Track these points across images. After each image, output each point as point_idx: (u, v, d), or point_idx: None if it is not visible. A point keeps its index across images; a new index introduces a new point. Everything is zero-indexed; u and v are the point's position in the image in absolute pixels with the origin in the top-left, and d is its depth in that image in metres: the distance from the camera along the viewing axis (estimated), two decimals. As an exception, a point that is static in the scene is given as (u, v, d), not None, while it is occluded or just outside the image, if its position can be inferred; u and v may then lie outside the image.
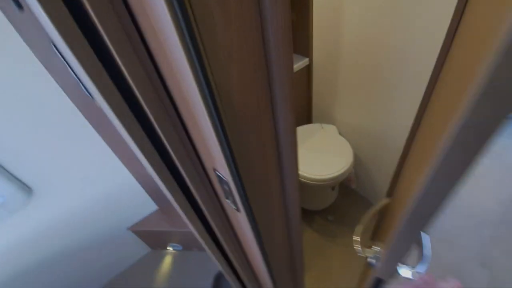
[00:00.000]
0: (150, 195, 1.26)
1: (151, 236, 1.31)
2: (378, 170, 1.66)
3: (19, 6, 0.46)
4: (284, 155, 0.40)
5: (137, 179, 1.17)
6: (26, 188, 0.92)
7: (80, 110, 0.90)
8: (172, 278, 1.30)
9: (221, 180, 0.37)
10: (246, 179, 0.35)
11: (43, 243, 1.07)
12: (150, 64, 0.27)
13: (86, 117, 0.92)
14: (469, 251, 1.49)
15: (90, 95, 0.31)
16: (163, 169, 0.36)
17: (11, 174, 0.87)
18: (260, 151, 0.36)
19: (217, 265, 0.59)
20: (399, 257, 0.49)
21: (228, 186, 0.36)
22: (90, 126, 0.94)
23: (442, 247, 1.52)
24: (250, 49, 0.26)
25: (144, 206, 1.31)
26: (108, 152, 1.03)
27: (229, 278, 0.63)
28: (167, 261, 1.38)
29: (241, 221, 0.44)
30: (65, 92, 0.84)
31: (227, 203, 0.43)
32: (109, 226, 1.25)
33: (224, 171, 0.33)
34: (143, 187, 1.21)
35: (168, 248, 1.48)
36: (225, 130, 0.27)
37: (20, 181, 0.90)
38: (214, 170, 0.37)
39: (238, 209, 0.41)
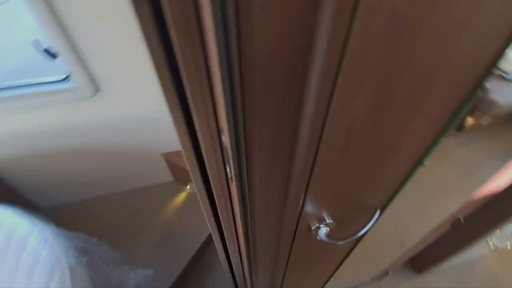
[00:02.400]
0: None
1: (177, 169, 1.42)
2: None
3: None
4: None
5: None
6: (95, 85, 1.05)
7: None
8: (178, 212, 1.42)
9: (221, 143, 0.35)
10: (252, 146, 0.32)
11: (93, 135, 1.23)
12: None
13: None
14: None
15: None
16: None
17: (88, 68, 0.99)
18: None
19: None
20: None
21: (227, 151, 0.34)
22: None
23: None
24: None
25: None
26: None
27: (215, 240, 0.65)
28: (182, 196, 1.50)
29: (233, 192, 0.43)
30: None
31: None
32: (146, 144, 1.35)
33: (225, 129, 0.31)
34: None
35: (188, 186, 1.59)
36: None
37: (92, 77, 1.02)
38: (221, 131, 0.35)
39: (231, 179, 0.39)
